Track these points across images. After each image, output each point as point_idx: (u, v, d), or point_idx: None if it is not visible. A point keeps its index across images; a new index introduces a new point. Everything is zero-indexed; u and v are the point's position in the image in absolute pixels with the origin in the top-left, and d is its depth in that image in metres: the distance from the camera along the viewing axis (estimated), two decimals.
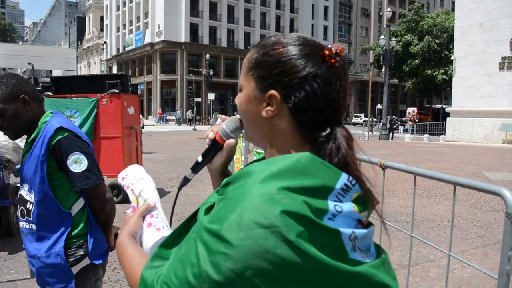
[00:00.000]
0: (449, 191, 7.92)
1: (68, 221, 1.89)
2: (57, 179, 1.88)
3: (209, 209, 0.82)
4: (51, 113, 1.97)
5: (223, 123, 1.03)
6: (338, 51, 0.83)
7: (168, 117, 49.85)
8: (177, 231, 0.90)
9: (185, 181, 1.10)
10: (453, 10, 35.29)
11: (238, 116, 1.00)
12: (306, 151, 0.81)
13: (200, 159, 1.06)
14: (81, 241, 1.91)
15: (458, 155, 14.58)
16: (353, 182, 0.79)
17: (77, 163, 1.85)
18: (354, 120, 50.33)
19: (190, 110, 44.54)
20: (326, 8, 65.32)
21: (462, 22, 22.36)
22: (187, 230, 0.87)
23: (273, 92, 0.84)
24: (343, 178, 0.78)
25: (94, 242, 1.93)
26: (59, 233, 1.88)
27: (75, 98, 7.04)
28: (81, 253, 1.90)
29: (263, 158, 0.96)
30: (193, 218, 0.90)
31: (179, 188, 1.10)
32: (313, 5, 63.30)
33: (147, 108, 54.49)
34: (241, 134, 1.11)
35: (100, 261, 1.97)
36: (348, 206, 0.76)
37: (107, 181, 7.21)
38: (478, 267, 1.95)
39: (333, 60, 0.83)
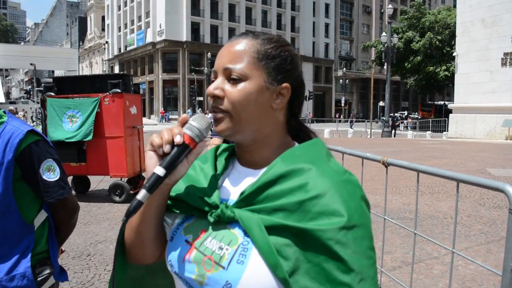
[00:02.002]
0: (452, 188, 7.90)
1: (31, 236, 1.62)
2: (18, 190, 1.59)
3: (275, 227, 0.79)
4: (4, 112, 1.71)
5: (192, 121, 0.87)
6: None
7: (171, 116, 49.86)
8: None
9: (138, 205, 0.82)
10: (454, 6, 35.12)
11: (201, 114, 0.91)
12: (289, 139, 0.95)
13: (162, 172, 0.83)
14: (44, 257, 1.66)
15: (461, 151, 14.54)
16: None
17: (51, 171, 1.62)
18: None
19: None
20: (327, 6, 65.09)
21: (464, 18, 22.28)
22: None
23: (287, 85, 0.89)
24: None
25: (55, 259, 1.69)
26: (21, 251, 1.60)
27: (77, 98, 7.05)
28: (48, 271, 1.65)
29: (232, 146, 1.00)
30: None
31: (128, 216, 0.82)
32: (314, 2, 63.10)
33: (149, 108, 54.51)
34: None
35: (64, 279, 1.75)
36: None
37: (110, 181, 7.26)
38: (482, 264, 1.94)
39: None
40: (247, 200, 0.84)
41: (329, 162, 0.87)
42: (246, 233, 0.82)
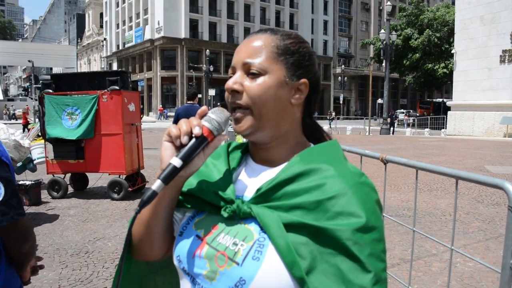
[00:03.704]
0: (450, 185, 7.91)
1: None
2: None
3: (295, 225, 0.78)
4: None
5: (211, 114, 0.85)
6: None
7: (169, 114, 49.82)
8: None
9: (152, 196, 0.79)
10: (453, 3, 35.11)
11: (220, 107, 0.89)
12: (305, 138, 0.95)
13: (178, 163, 0.80)
14: None
15: (460, 149, 14.55)
16: None
17: None
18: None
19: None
20: (326, 3, 65.04)
21: (463, 15, 22.27)
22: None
23: (306, 80, 0.90)
24: None
25: (1, 283, 1.43)
26: None
27: (76, 95, 7.02)
28: None
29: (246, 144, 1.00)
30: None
31: (142, 207, 0.80)
32: None
33: (148, 105, 54.47)
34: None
35: None
36: None
37: (108, 178, 7.25)
38: (480, 261, 1.94)
39: None
40: (264, 196, 0.83)
41: (347, 163, 0.87)
42: (262, 229, 0.80)
